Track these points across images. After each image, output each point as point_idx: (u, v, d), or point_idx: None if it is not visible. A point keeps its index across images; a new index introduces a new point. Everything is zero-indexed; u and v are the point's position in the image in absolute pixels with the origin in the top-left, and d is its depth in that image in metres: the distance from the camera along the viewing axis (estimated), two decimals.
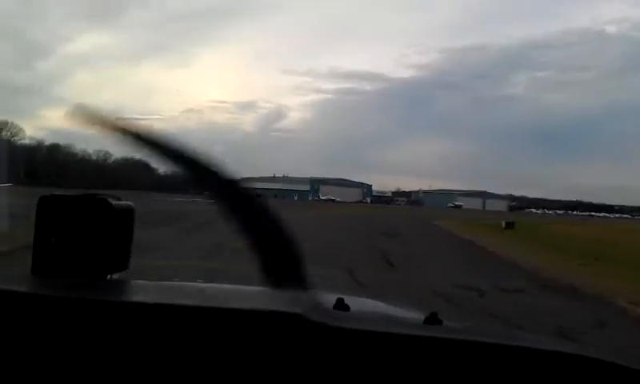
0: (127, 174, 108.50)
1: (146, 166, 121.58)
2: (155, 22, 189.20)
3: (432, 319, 0.89)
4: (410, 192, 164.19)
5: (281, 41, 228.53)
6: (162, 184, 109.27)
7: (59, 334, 0.82)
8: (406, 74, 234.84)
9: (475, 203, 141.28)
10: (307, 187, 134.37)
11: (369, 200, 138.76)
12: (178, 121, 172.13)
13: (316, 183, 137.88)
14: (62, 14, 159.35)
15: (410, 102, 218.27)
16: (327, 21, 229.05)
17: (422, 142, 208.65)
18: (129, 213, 1.06)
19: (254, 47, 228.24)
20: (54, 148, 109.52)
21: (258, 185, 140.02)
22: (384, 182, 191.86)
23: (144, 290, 1.03)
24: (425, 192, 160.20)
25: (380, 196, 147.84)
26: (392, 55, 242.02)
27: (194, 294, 1.01)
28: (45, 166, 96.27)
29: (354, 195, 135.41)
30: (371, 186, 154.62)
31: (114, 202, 1.01)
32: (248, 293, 1.08)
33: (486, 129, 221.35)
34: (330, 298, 0.99)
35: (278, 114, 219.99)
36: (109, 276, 1.02)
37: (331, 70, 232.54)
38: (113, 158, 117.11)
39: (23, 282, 0.99)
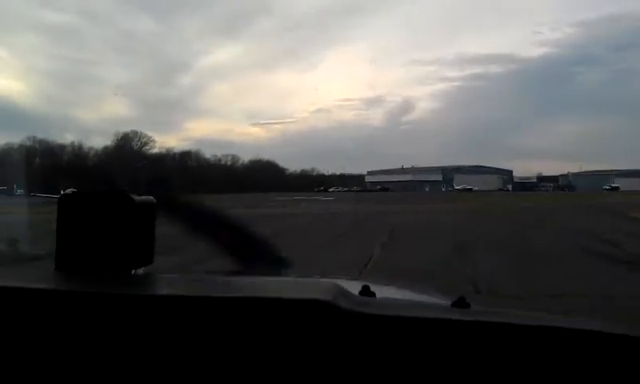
0: (255, 176, 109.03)
1: (273, 167, 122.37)
2: (282, 28, 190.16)
3: (460, 303, 0.89)
4: (557, 176, 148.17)
5: (404, 33, 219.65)
6: (288, 184, 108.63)
7: (85, 330, 0.83)
8: (537, 52, 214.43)
9: (636, 184, 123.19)
10: (439, 177, 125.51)
11: (510, 187, 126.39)
12: (308, 122, 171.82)
13: (449, 172, 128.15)
14: (196, 31, 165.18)
15: (546, 82, 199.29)
16: (451, 6, 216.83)
17: (563, 122, 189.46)
18: (150, 207, 1.06)
19: (377, 42, 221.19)
20: (186, 155, 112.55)
21: (386, 178, 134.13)
22: (525, 167, 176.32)
23: (170, 283, 1.05)
24: (575, 174, 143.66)
25: (523, 182, 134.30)
26: (521, 34, 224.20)
27: (221, 286, 1.02)
28: (177, 173, 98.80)
29: (492, 183, 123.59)
30: (511, 171, 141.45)
31: (135, 197, 1.02)
32: (274, 283, 1.11)
33: (637, 102, 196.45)
34: (355, 286, 0.99)
35: (406, 107, 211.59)
36: (133, 271, 1.02)
37: (458, 56, 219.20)
38: (240, 162, 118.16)
39: (47, 278, 1.00)
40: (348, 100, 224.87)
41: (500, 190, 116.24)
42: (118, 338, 0.82)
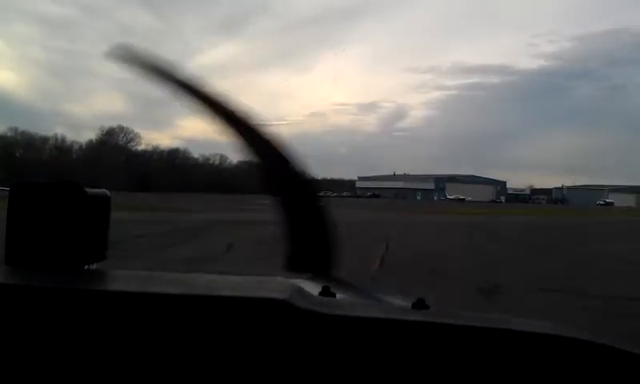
0: (244, 178, 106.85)
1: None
2: (279, 29, 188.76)
3: (419, 304, 0.88)
4: (550, 189, 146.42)
5: (401, 40, 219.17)
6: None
7: (36, 325, 0.81)
8: (534, 64, 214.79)
9: (628, 200, 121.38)
10: (431, 186, 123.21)
11: (503, 199, 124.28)
12: (303, 125, 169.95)
13: (441, 181, 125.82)
14: (194, 28, 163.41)
15: (541, 94, 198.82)
16: (449, 15, 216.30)
17: (558, 135, 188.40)
18: (105, 201, 1.03)
19: (374, 48, 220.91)
20: (174, 153, 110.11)
21: (377, 184, 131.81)
22: (518, 179, 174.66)
23: (124, 279, 0.99)
24: (568, 188, 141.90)
25: (516, 194, 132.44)
26: (518, 46, 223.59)
27: (177, 283, 0.98)
28: (163, 172, 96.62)
29: (485, 193, 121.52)
30: (505, 182, 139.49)
31: (88, 190, 0.98)
32: (233, 281, 1.07)
33: (631, 118, 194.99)
34: (315, 286, 0.98)
35: (400, 113, 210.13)
36: (86, 266, 0.99)
37: (454, 65, 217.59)
38: (228, 161, 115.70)
39: None
40: (344, 104, 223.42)
41: (493, 201, 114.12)
42: (70, 334, 0.80)
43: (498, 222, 30.96)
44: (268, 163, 1.23)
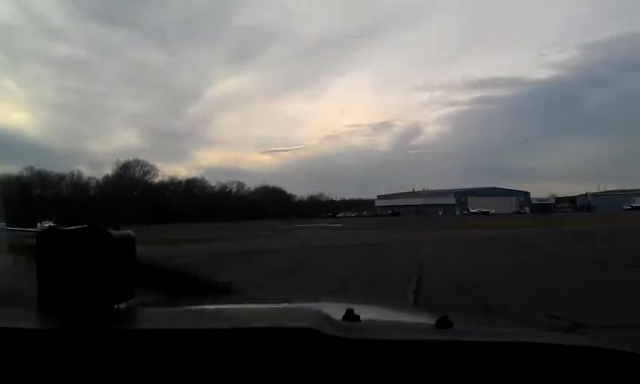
0: (262, 204, 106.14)
1: (280, 194, 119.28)
2: (290, 56, 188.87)
3: (443, 323, 0.89)
4: (575, 197, 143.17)
5: (411, 58, 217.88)
6: (297, 210, 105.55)
7: (70, 368, 0.83)
8: (545, 74, 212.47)
9: None
10: (452, 200, 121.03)
11: (527, 209, 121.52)
12: (318, 148, 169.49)
13: (462, 195, 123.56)
14: (206, 61, 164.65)
15: (554, 104, 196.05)
16: (457, 31, 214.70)
17: (576, 142, 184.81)
18: (129, 242, 1.07)
19: (385, 68, 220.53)
20: (191, 182, 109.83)
21: (396, 202, 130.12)
22: (540, 189, 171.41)
23: (153, 317, 1.04)
24: (593, 195, 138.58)
25: (541, 204, 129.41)
26: (528, 57, 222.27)
27: (204, 317, 1.02)
28: (182, 202, 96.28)
29: (508, 205, 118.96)
30: (529, 193, 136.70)
31: (113, 232, 1.02)
32: (258, 311, 1.13)
33: None
34: (339, 309, 1.00)
35: (414, 131, 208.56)
36: (115, 306, 1.02)
37: (465, 80, 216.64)
38: (246, 188, 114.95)
39: (29, 317, 0.99)
40: (356, 125, 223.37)
41: (517, 212, 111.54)
42: (104, 375, 0.82)
43: (537, 235, 28.69)
44: None
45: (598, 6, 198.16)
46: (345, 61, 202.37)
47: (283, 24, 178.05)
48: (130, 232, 1.08)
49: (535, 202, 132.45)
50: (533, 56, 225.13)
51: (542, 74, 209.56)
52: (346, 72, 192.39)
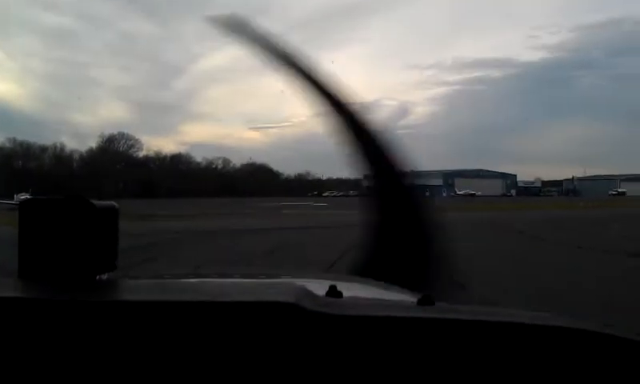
0: (248, 180, 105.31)
1: (267, 171, 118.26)
2: (280, 31, 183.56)
3: (425, 300, 0.90)
4: (561, 181, 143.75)
5: (402, 37, 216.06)
6: (283, 188, 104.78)
7: (50, 337, 0.83)
8: (536, 56, 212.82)
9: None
10: (440, 181, 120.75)
11: (514, 192, 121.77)
12: (306, 125, 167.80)
13: (450, 176, 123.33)
14: (195, 34, 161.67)
15: (545, 86, 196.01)
16: (449, 10, 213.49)
17: (564, 126, 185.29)
18: (113, 213, 1.06)
19: (375, 46, 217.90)
20: (176, 158, 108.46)
21: None
22: (527, 172, 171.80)
23: (135, 288, 1.05)
24: (579, 179, 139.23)
25: (527, 187, 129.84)
26: (520, 38, 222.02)
27: (186, 290, 1.03)
28: (166, 177, 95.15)
29: (495, 187, 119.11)
30: (515, 176, 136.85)
31: (96, 203, 1.02)
32: (241, 285, 1.12)
33: (638, 106, 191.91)
34: (323, 286, 1.00)
35: (403, 111, 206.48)
36: (97, 277, 1.02)
37: (456, 60, 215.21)
38: (231, 165, 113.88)
39: (10, 286, 0.98)
40: None
41: (503, 195, 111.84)
42: (83, 344, 0.82)
43: (529, 219, 28.04)
44: (364, 151, 1.12)
45: None
46: (335, 37, 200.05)
47: None
48: (113, 203, 1.07)
49: (521, 185, 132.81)
50: (524, 38, 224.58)
51: (533, 55, 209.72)
52: (337, 49, 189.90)
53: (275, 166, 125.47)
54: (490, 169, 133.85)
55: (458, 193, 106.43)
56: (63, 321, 0.83)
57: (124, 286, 1.03)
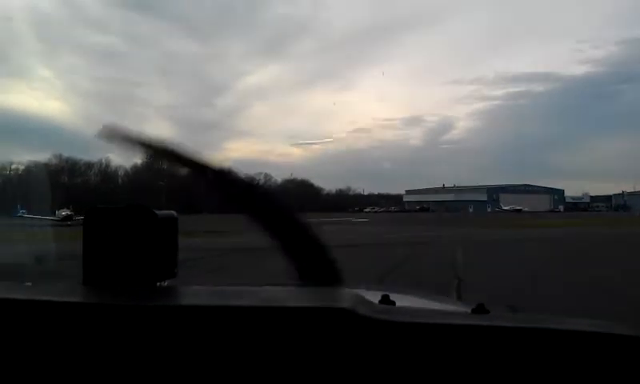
0: (289, 196, 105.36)
1: (308, 187, 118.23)
2: (322, 48, 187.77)
3: (480, 309, 0.90)
4: (610, 196, 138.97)
5: (444, 52, 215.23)
6: (324, 204, 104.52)
7: (113, 342, 0.86)
8: (580, 70, 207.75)
9: None
10: (484, 197, 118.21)
11: (561, 208, 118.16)
12: (347, 141, 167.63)
13: (494, 191, 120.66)
14: (238, 52, 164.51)
15: (590, 100, 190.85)
16: (491, 25, 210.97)
17: (612, 140, 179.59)
18: (173, 222, 1.09)
19: (417, 62, 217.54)
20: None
21: (425, 197, 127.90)
22: (573, 187, 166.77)
23: (195, 294, 1.07)
24: (629, 194, 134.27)
25: (575, 202, 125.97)
26: (563, 52, 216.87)
27: (243, 296, 1.03)
28: (210, 193, 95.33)
29: (541, 203, 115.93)
30: (563, 191, 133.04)
31: (158, 212, 1.04)
32: (296, 292, 1.14)
33: None
34: (375, 295, 1.02)
35: (446, 126, 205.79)
36: (158, 284, 1.05)
37: (498, 75, 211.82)
38: (272, 180, 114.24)
39: (75, 292, 1.02)
40: (387, 119, 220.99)
41: (551, 210, 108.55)
42: (145, 349, 0.85)
43: (590, 237, 26.09)
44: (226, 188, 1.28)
45: (636, 1, 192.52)
46: (376, 53, 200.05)
47: (316, 15, 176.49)
48: (172, 212, 1.09)
49: (569, 200, 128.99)
50: (568, 51, 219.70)
51: (577, 69, 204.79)
52: (379, 65, 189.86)
53: (316, 182, 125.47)
54: (535, 184, 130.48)
55: (504, 208, 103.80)
56: (126, 326, 0.86)
57: (184, 293, 1.05)
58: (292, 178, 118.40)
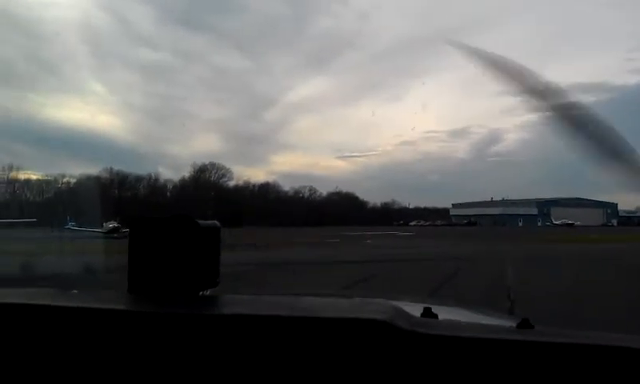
0: (334, 209, 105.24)
1: (353, 200, 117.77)
2: (366, 61, 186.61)
3: (524, 324, 0.90)
4: None
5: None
6: (369, 217, 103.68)
7: (156, 349, 0.88)
8: (633, 80, 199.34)
9: None
10: (534, 211, 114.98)
11: (615, 222, 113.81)
12: (392, 154, 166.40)
13: (545, 205, 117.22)
14: (284, 66, 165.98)
15: None
16: (540, 34, 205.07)
17: None
18: (215, 232, 1.10)
19: (463, 74, 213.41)
20: (264, 187, 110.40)
21: (472, 211, 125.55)
22: (626, 200, 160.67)
23: (236, 303, 1.08)
24: None
25: (629, 216, 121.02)
26: (615, 61, 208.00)
27: (285, 306, 1.04)
28: (253, 206, 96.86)
29: (594, 217, 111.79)
30: (616, 204, 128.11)
31: (201, 222, 1.06)
32: (336, 304, 1.15)
33: None
34: (417, 308, 1.02)
35: (493, 138, 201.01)
36: (201, 293, 1.07)
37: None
38: (318, 194, 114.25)
39: (120, 300, 1.05)
40: (433, 131, 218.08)
41: (604, 225, 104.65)
42: (187, 357, 0.87)
43: None
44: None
45: None
46: (422, 65, 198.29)
47: (361, 28, 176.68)
48: (215, 222, 1.10)
49: (623, 213, 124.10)
50: (620, 61, 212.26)
51: (629, 79, 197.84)
52: (424, 77, 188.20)
53: (361, 195, 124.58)
54: (587, 197, 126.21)
55: (555, 222, 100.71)
56: (169, 334, 0.88)
57: (225, 301, 1.06)
58: (337, 190, 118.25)
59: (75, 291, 1.19)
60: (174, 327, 0.88)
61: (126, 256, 1.05)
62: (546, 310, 8.46)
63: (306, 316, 0.88)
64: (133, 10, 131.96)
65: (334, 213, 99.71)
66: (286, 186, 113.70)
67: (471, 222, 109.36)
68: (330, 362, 0.81)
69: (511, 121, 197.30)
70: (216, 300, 1.05)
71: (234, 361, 0.85)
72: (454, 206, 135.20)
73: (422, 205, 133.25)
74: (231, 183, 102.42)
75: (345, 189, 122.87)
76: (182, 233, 1.02)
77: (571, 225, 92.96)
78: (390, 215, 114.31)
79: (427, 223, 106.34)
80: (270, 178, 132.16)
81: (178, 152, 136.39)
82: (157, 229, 1.04)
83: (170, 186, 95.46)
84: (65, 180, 72.85)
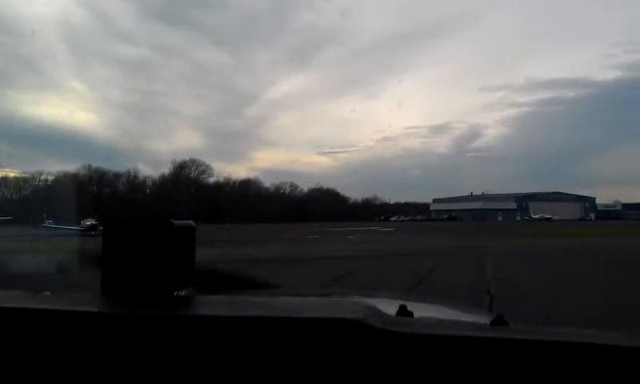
0: (315, 205, 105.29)
1: (334, 196, 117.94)
2: (347, 56, 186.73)
3: (499, 321, 0.91)
4: None
5: (471, 59, 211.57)
6: (350, 213, 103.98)
7: (130, 351, 0.87)
8: (612, 75, 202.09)
9: None
10: (513, 205, 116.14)
11: (593, 216, 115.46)
12: (374, 150, 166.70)
13: (523, 200, 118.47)
14: (266, 62, 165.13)
15: (622, 106, 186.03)
16: (520, 30, 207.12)
17: None
18: (190, 231, 1.10)
19: (443, 70, 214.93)
20: (245, 183, 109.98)
21: (453, 206, 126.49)
22: (605, 195, 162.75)
23: (211, 304, 1.07)
24: None
25: (607, 210, 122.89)
26: (594, 57, 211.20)
27: (260, 306, 1.04)
28: (233, 203, 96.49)
29: (571, 211, 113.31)
30: (594, 198, 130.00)
31: (175, 222, 1.05)
32: (310, 302, 1.15)
33: None
34: (393, 305, 1.02)
35: (474, 133, 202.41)
36: (175, 293, 1.06)
37: (528, 81, 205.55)
38: (298, 189, 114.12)
39: (93, 301, 1.04)
40: (414, 127, 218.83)
41: (582, 219, 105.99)
42: (162, 358, 0.86)
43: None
44: None
45: None
46: (403, 61, 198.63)
47: (342, 24, 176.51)
48: (190, 222, 1.10)
49: (601, 208, 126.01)
50: (600, 57, 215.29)
51: (608, 75, 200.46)
52: (405, 71, 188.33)
53: (342, 191, 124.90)
54: (566, 192, 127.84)
55: (534, 217, 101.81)
56: (143, 335, 0.87)
57: (200, 302, 1.06)
58: (318, 186, 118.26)
59: (47, 293, 1.16)
60: (149, 329, 0.87)
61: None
62: (518, 305, 8.44)
63: (281, 316, 0.88)
64: (112, 6, 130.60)
65: (315, 209, 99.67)
66: (267, 183, 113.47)
67: (451, 216, 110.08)
68: (304, 362, 0.81)
69: (491, 116, 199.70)
70: (191, 301, 1.05)
71: (209, 362, 0.84)
72: (434, 201, 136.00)
73: (403, 200, 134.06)
74: (211, 180, 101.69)
75: (326, 185, 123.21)
76: (156, 233, 1.01)
77: (549, 219, 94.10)
78: (372, 211, 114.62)
79: (408, 218, 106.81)
80: (252, 175, 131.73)
81: (158, 148, 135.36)
82: (130, 229, 1.03)
83: (149, 183, 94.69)
84: (42, 177, 71.85)
